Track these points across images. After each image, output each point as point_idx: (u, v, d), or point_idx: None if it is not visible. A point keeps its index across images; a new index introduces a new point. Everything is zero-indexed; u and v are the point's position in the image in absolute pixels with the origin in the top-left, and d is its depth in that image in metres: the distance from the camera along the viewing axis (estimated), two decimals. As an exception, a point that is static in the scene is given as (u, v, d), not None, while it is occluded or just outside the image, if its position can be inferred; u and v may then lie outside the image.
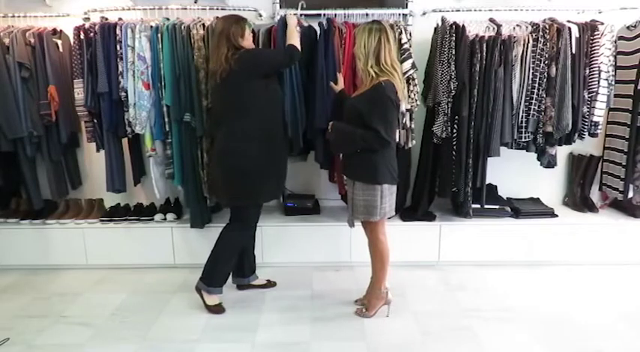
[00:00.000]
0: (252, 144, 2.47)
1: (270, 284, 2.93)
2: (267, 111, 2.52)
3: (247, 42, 2.52)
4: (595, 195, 3.44)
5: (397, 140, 2.52)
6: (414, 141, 3.01)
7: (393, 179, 2.41)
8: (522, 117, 2.94)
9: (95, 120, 3.03)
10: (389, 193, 2.40)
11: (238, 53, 2.43)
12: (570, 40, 2.83)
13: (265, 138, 2.50)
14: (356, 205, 2.43)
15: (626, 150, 3.09)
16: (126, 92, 2.89)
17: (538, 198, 3.43)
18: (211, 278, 2.62)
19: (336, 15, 2.96)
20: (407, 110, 2.86)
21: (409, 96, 2.84)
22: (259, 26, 2.91)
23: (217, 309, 2.63)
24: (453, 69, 2.83)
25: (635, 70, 2.99)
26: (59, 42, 3.07)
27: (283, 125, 2.70)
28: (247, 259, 2.83)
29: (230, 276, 2.75)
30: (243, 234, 2.67)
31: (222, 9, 3.02)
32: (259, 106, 2.48)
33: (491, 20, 2.93)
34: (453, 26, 2.84)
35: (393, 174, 2.40)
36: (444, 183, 3.09)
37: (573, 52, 2.85)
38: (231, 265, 2.68)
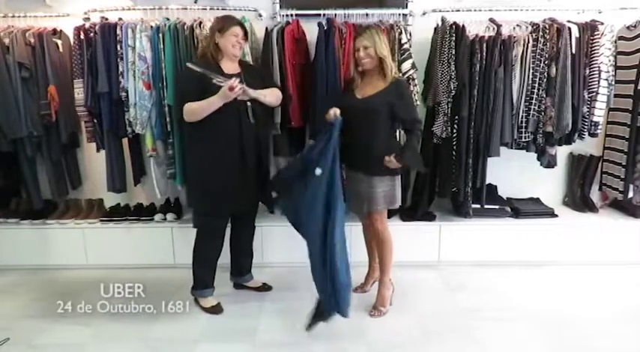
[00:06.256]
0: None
1: (264, 288, 2.89)
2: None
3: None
4: (595, 195, 3.44)
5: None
6: (414, 141, 3.01)
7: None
8: (522, 117, 2.94)
9: (95, 120, 3.03)
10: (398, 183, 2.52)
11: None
12: (570, 40, 2.83)
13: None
14: (376, 198, 2.46)
15: (626, 150, 3.09)
16: (126, 92, 2.89)
17: (538, 198, 3.43)
18: (193, 281, 2.67)
19: (336, 15, 2.97)
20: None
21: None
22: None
23: (214, 310, 2.64)
24: (453, 69, 2.83)
25: (635, 70, 3.00)
26: (59, 42, 3.07)
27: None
28: (234, 259, 2.83)
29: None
30: (203, 244, 2.61)
31: (222, 9, 3.02)
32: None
33: (492, 20, 2.93)
34: (453, 26, 2.84)
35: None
36: (444, 183, 3.10)
37: (573, 52, 2.85)
38: (207, 270, 2.65)
